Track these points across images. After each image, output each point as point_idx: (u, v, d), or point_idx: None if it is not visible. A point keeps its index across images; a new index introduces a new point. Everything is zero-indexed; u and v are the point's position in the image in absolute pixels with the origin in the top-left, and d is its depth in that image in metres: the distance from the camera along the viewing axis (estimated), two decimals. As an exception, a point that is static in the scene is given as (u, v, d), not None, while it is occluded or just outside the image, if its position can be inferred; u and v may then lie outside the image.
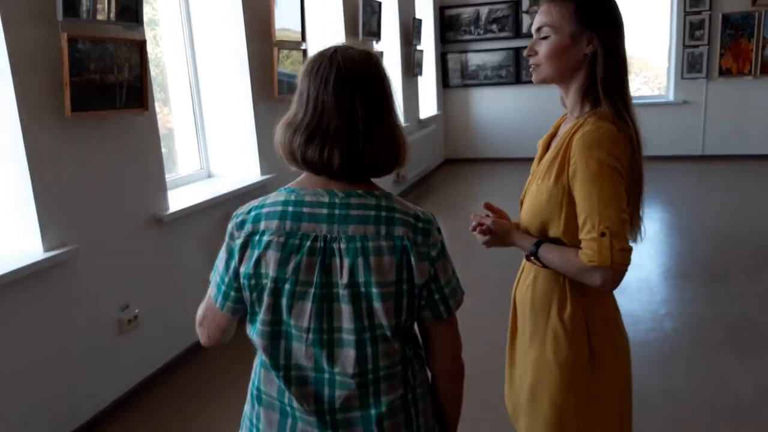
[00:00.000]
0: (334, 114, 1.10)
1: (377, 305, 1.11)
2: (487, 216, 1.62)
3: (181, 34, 3.90)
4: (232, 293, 1.20)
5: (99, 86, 2.66)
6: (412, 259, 1.12)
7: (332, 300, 1.13)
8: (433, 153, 8.45)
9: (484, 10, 8.70)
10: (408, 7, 7.46)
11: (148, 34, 3.76)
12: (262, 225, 1.15)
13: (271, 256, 1.13)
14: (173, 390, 3.16)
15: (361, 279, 1.11)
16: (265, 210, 1.16)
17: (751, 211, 5.87)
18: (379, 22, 6.18)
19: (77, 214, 2.72)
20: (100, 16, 2.63)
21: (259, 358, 1.24)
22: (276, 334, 1.17)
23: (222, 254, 1.22)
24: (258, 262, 1.14)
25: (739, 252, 4.68)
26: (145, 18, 2.92)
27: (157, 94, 3.90)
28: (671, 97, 8.47)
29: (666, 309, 3.79)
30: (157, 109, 3.92)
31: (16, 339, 2.45)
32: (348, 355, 1.14)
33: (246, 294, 1.18)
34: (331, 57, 1.13)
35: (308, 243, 1.12)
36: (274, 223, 1.14)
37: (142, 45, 2.86)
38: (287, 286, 1.12)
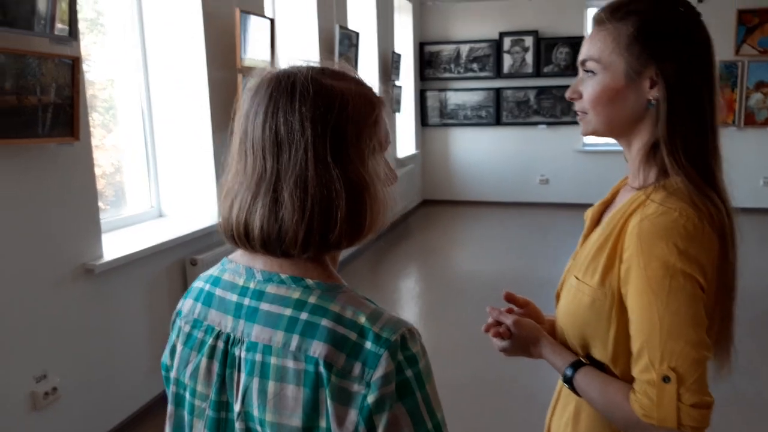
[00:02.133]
0: (258, 157, 0.76)
1: None
2: (509, 312, 1.15)
3: (133, 55, 3.43)
4: None
5: (15, 110, 2.16)
6: (327, 398, 0.71)
7: (229, 431, 0.79)
8: (411, 193, 8.04)
9: (464, 48, 8.44)
10: (387, 41, 7.13)
11: (99, 52, 3.29)
12: (181, 304, 0.88)
13: (177, 350, 0.85)
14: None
15: (255, 411, 0.75)
16: (194, 284, 0.89)
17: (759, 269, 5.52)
18: (356, 55, 5.81)
19: (-21, 267, 2.19)
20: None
21: None
22: None
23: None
24: (172, 353, 0.87)
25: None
26: (95, 35, 2.45)
27: (106, 119, 3.42)
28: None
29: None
30: (108, 138, 3.43)
31: None
32: None
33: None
34: (265, 80, 0.80)
35: (210, 340, 0.81)
36: (188, 304, 0.87)
37: (74, 62, 2.37)
38: (187, 396, 0.83)
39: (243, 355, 0.76)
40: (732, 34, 7.66)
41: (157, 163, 3.61)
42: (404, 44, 8.04)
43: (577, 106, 1.03)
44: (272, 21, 3.96)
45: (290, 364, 0.73)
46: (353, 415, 0.70)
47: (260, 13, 3.93)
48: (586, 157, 8.13)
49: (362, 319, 0.73)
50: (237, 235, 0.78)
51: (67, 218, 2.58)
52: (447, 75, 8.57)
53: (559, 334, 1.09)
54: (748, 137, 7.88)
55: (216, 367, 0.79)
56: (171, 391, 0.86)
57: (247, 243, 0.78)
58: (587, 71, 1.00)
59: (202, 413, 0.81)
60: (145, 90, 3.49)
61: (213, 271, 0.88)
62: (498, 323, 1.11)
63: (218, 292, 0.83)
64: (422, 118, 8.76)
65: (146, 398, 3.08)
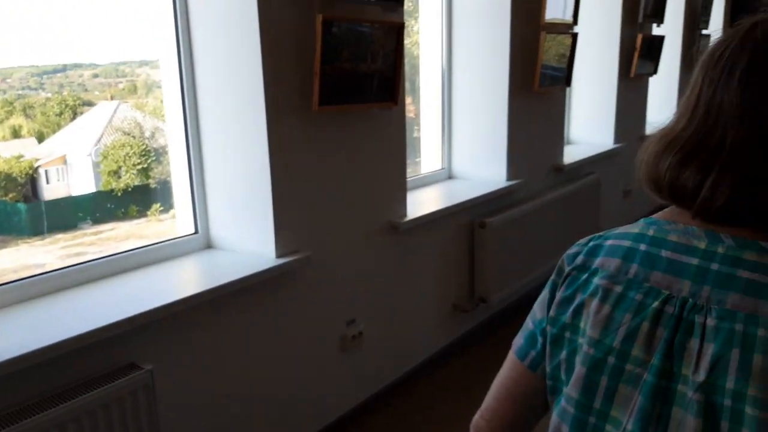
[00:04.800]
0: (734, 123, 0.73)
1: None
2: None
3: (439, 17, 3.49)
4: (540, 339, 0.89)
5: (350, 77, 2.32)
6: None
7: (671, 400, 0.74)
8: None
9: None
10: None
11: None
12: (596, 261, 0.83)
13: (596, 309, 0.80)
14: (389, 418, 2.83)
15: (729, 384, 0.69)
16: (608, 242, 0.84)
17: None
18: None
19: (312, 220, 2.44)
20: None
21: None
22: (581, 425, 0.81)
23: (542, 295, 0.92)
24: (577, 312, 0.83)
25: None
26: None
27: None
28: None
29: None
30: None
31: (239, 347, 2.27)
32: None
33: (548, 349, 0.87)
34: (743, 36, 0.75)
35: (655, 303, 0.76)
36: (613, 263, 0.82)
37: (399, 29, 2.45)
38: (611, 360, 0.78)
39: (711, 323, 0.72)
40: None
41: (452, 125, 3.67)
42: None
43: None
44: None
45: None
46: None
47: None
48: None
49: None
50: (712, 203, 0.74)
51: (381, 179, 2.75)
52: None
53: None
54: None
55: (663, 332, 0.75)
56: (583, 352, 0.81)
57: (710, 210, 0.75)
58: None
59: (634, 379, 0.77)
60: (446, 54, 3.53)
61: (632, 229, 0.83)
62: None
63: (665, 253, 0.78)
64: None
65: (437, 345, 3.28)
